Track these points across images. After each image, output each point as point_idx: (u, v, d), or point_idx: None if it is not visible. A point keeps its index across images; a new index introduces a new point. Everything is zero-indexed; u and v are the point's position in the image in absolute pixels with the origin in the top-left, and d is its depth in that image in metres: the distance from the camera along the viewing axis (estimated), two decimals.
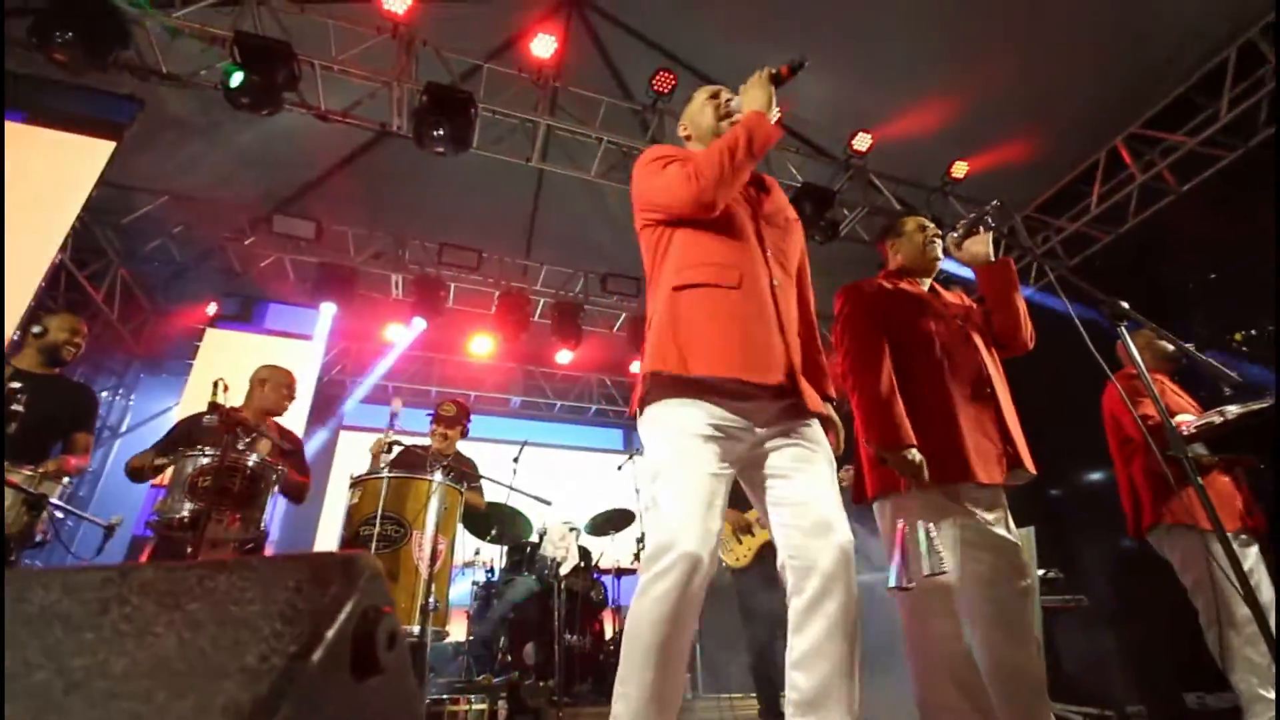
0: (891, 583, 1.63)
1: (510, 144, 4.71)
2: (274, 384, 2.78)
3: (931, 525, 1.61)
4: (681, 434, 1.30)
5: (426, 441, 3.34)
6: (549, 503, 2.72)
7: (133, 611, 0.29)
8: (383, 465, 2.52)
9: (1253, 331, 2.47)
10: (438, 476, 2.40)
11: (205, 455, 1.97)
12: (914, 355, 1.80)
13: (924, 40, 4.44)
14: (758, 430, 1.36)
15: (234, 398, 2.28)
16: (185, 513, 1.90)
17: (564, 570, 3.11)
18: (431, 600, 2.28)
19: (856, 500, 1.94)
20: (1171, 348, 2.64)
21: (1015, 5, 4.13)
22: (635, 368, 6.79)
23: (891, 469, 1.69)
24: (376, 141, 5.35)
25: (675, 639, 1.17)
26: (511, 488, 3.00)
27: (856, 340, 1.82)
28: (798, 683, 1.19)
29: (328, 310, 5.64)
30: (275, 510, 2.46)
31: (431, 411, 3.31)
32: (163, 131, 4.59)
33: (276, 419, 2.76)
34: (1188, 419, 2.11)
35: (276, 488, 2.23)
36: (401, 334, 6.40)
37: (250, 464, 2.03)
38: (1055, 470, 5.01)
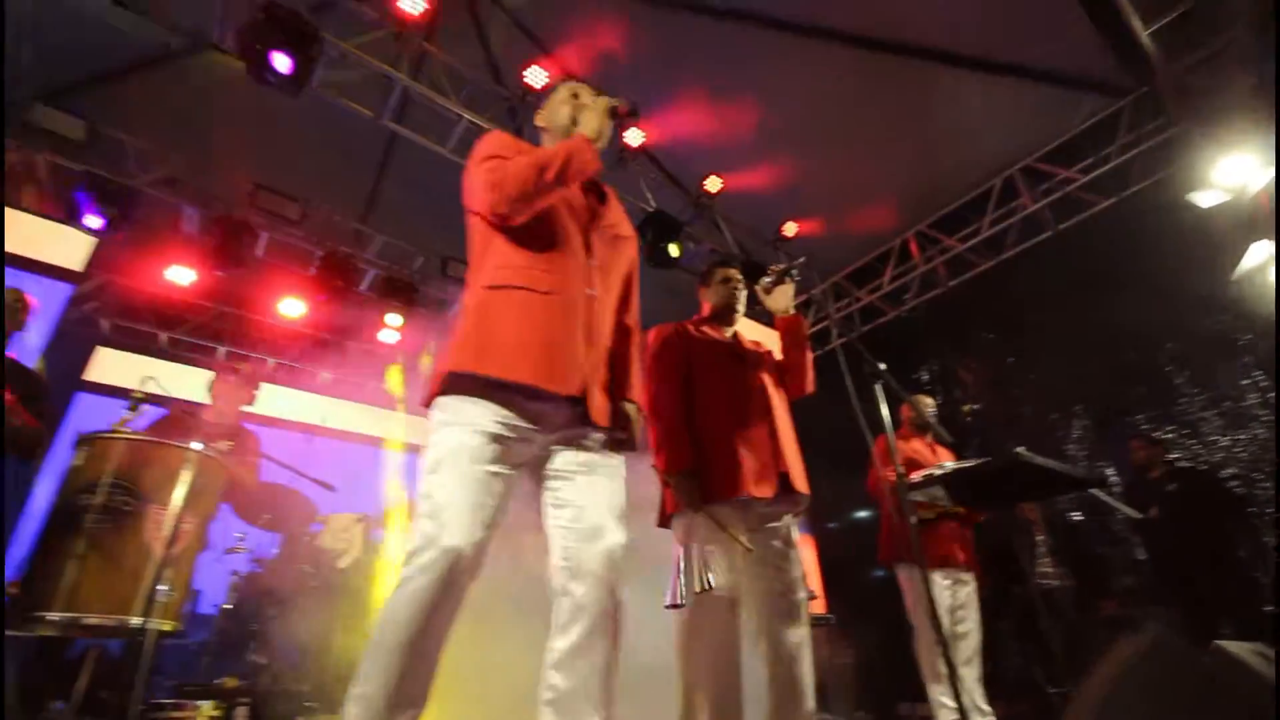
0: (666, 600, 1.74)
1: (360, 94, 4.31)
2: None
3: (707, 546, 1.76)
4: (465, 430, 1.27)
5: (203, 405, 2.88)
6: (333, 488, 2.48)
7: None
8: (126, 424, 2.10)
9: (976, 406, 3.07)
10: (196, 444, 2.07)
11: None
12: (707, 390, 2.02)
13: (783, 109, 4.92)
14: (547, 434, 1.37)
15: None
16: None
17: (343, 564, 2.84)
18: (164, 588, 1.94)
19: (659, 524, 2.06)
20: (928, 410, 3.17)
21: (853, 107, 4.76)
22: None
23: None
24: (191, 50, 4.57)
25: (429, 636, 1.14)
26: (295, 470, 2.68)
27: (656, 376, 2.05)
28: (555, 683, 1.19)
29: (90, 227, 4.65)
30: None
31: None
32: None
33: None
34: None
35: None
36: (189, 278, 5.46)
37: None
38: (834, 506, 5.79)
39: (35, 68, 4.36)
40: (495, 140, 1.51)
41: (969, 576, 3.02)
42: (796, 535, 2.07)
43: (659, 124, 5.08)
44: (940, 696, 2.71)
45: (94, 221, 4.61)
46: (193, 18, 3.63)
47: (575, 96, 1.64)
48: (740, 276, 2.29)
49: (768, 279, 2.18)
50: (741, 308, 2.26)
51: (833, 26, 4.35)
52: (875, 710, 4.01)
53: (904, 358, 5.64)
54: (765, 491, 1.87)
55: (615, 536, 1.31)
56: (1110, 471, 4.44)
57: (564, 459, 1.37)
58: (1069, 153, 4.72)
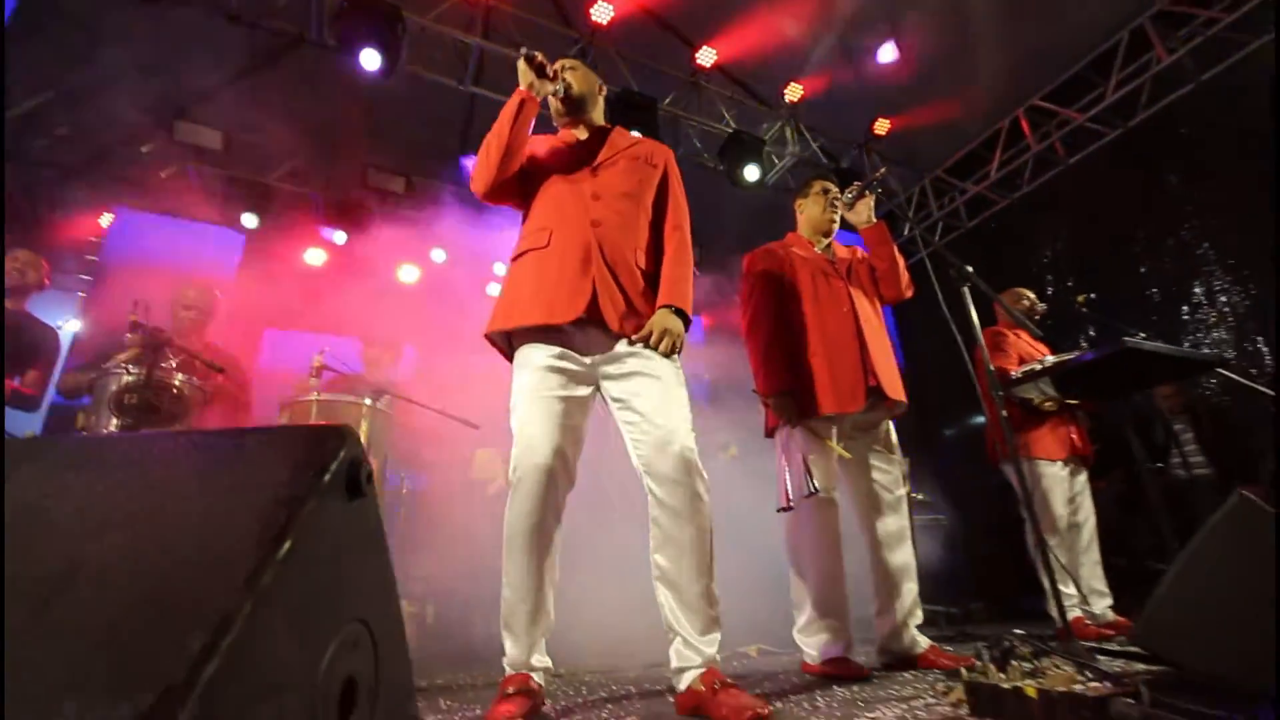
0: (776, 505, 1.97)
1: (442, 64, 4.54)
2: (179, 302, 2.79)
3: (805, 454, 1.93)
4: (527, 370, 1.55)
5: (358, 369, 3.40)
6: (477, 427, 2.89)
7: (218, 459, 0.46)
8: (313, 389, 2.58)
9: (1092, 295, 2.92)
10: (367, 400, 2.50)
11: (129, 373, 1.99)
12: (798, 309, 2.13)
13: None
14: (594, 357, 1.58)
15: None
16: (112, 428, 1.93)
17: (490, 491, 3.31)
18: None
19: (766, 435, 2.25)
20: (1029, 305, 3.06)
21: None
22: None
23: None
24: (292, 48, 4.98)
25: (540, 533, 1.47)
26: (443, 413, 3.12)
27: (750, 302, 2.17)
28: (659, 563, 1.48)
29: (247, 224, 5.35)
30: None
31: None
32: (50, 23, 4.11)
33: (207, 339, 2.77)
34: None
35: (206, 406, 2.27)
36: (323, 257, 6.16)
37: (176, 382, 2.06)
38: (948, 412, 5.68)
39: (167, 87, 4.96)
40: None
41: (1083, 465, 2.99)
42: (894, 438, 2.18)
43: (731, 40, 4.90)
44: (1059, 585, 2.77)
45: (250, 221, 5.27)
46: (294, 20, 3.97)
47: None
48: (838, 190, 2.32)
49: (849, 194, 2.21)
50: (836, 219, 2.31)
51: None
52: (993, 601, 4.10)
53: (1023, 247, 5.26)
54: (854, 406, 1.99)
55: (682, 440, 1.48)
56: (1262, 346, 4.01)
57: (622, 386, 1.55)
58: None
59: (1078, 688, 0.99)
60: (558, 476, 1.49)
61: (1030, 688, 1.01)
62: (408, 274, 6.54)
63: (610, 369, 1.57)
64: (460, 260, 6.33)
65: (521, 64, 1.66)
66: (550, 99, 1.76)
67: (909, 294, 2.26)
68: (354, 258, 6.36)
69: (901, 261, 2.20)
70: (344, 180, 5.77)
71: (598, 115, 1.85)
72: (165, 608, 0.35)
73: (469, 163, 5.11)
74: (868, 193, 2.14)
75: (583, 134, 1.80)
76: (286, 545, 0.39)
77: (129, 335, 2.03)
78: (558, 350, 1.55)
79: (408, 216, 6.07)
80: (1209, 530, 1.19)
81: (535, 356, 1.56)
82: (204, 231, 5.85)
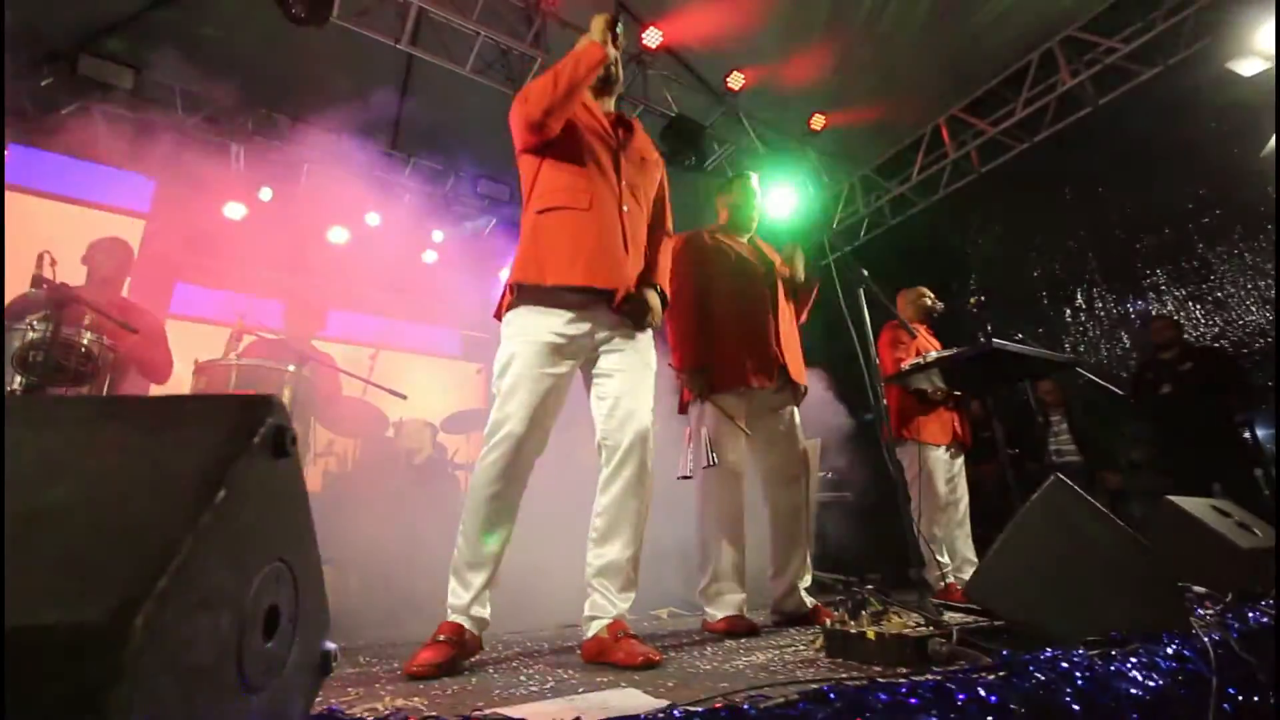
0: (677, 473, 2.15)
1: (378, 19, 4.38)
2: (92, 256, 2.65)
3: (711, 430, 2.11)
4: (529, 338, 1.61)
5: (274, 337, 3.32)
6: (404, 396, 2.91)
7: (160, 421, 0.54)
8: (232, 354, 2.54)
9: (982, 298, 3.23)
10: (291, 366, 2.49)
11: (34, 330, 1.91)
12: (719, 293, 2.30)
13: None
14: (597, 335, 1.68)
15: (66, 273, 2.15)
16: (15, 386, 1.86)
17: (417, 461, 3.35)
18: None
19: (680, 411, 2.41)
20: (929, 303, 3.35)
21: None
22: (503, 275, 6.78)
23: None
24: None
25: (502, 495, 1.57)
26: (367, 380, 3.13)
27: (675, 282, 2.28)
28: (597, 525, 1.63)
29: (157, 171, 5.02)
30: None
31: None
32: None
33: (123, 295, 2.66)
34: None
35: (116, 367, 2.20)
36: (243, 211, 5.85)
37: (85, 341, 2.00)
38: (861, 398, 6.06)
39: (73, 15, 4.55)
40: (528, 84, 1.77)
41: (962, 450, 3.33)
42: (798, 420, 2.39)
43: (679, 23, 4.94)
44: (934, 554, 3.11)
45: (162, 168, 4.95)
46: None
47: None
48: (758, 188, 2.48)
49: (782, 252, 2.45)
50: (755, 218, 2.47)
51: None
52: (888, 570, 4.50)
53: (936, 247, 5.65)
54: (764, 382, 2.19)
55: (644, 419, 1.65)
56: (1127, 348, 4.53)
57: (608, 361, 1.69)
58: (1113, 20, 4.41)
59: (907, 631, 1.20)
60: (532, 446, 1.60)
61: (871, 631, 1.21)
62: (337, 235, 6.32)
63: (603, 347, 1.69)
64: (395, 225, 6.16)
65: (602, 22, 1.71)
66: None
67: (800, 322, 2.52)
68: (278, 214, 6.09)
69: (809, 306, 2.49)
70: (268, 132, 5.49)
71: (613, 100, 1.94)
72: (121, 540, 0.44)
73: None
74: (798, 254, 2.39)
75: (608, 109, 1.87)
76: (221, 493, 0.49)
77: (32, 290, 1.94)
78: (561, 321, 1.61)
79: (337, 176, 5.85)
80: (1028, 506, 1.42)
81: (542, 326, 1.61)
82: (110, 176, 5.44)
